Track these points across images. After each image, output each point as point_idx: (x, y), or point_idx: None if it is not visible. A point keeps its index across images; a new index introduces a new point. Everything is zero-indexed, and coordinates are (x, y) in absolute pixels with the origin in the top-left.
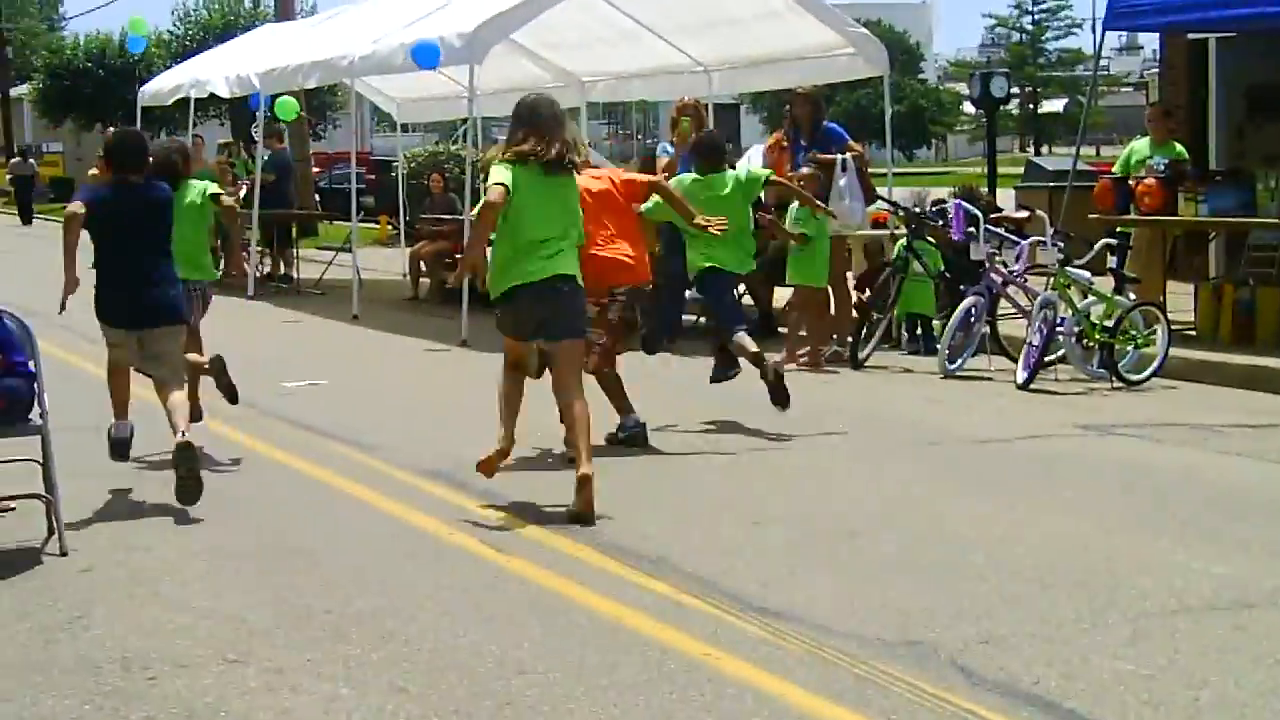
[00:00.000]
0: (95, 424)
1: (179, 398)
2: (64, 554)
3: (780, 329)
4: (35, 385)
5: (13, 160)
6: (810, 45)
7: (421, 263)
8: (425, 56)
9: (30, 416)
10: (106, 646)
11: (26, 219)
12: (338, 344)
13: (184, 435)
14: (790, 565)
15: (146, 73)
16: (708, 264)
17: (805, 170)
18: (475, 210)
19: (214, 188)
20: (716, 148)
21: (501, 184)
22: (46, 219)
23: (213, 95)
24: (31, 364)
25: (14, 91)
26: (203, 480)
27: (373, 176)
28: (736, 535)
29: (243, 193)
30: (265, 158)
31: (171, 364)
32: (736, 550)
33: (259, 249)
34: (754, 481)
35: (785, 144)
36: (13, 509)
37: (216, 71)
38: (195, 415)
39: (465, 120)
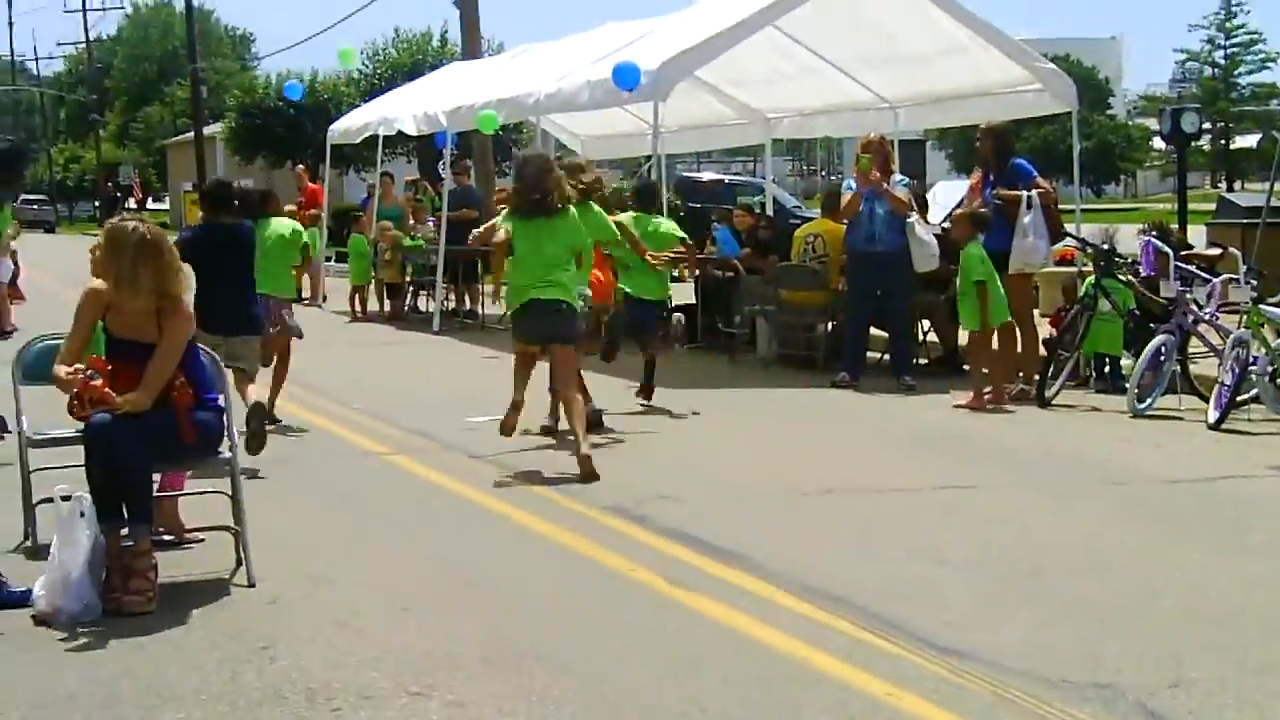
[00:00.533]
0: (279, 456)
1: (253, 388)
2: (252, 585)
3: (965, 367)
4: (224, 419)
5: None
6: (996, 80)
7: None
8: (626, 77)
9: (220, 450)
10: (292, 678)
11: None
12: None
13: (254, 399)
14: (975, 605)
15: (337, 111)
16: (637, 293)
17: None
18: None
19: (302, 236)
20: (651, 192)
21: (505, 229)
22: None
23: (400, 133)
24: (220, 398)
25: (208, 130)
26: (267, 437)
27: None
28: (920, 574)
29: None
30: (450, 194)
31: (249, 362)
32: (920, 589)
33: (444, 284)
34: (938, 520)
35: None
36: (202, 540)
37: (404, 109)
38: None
39: (649, 157)
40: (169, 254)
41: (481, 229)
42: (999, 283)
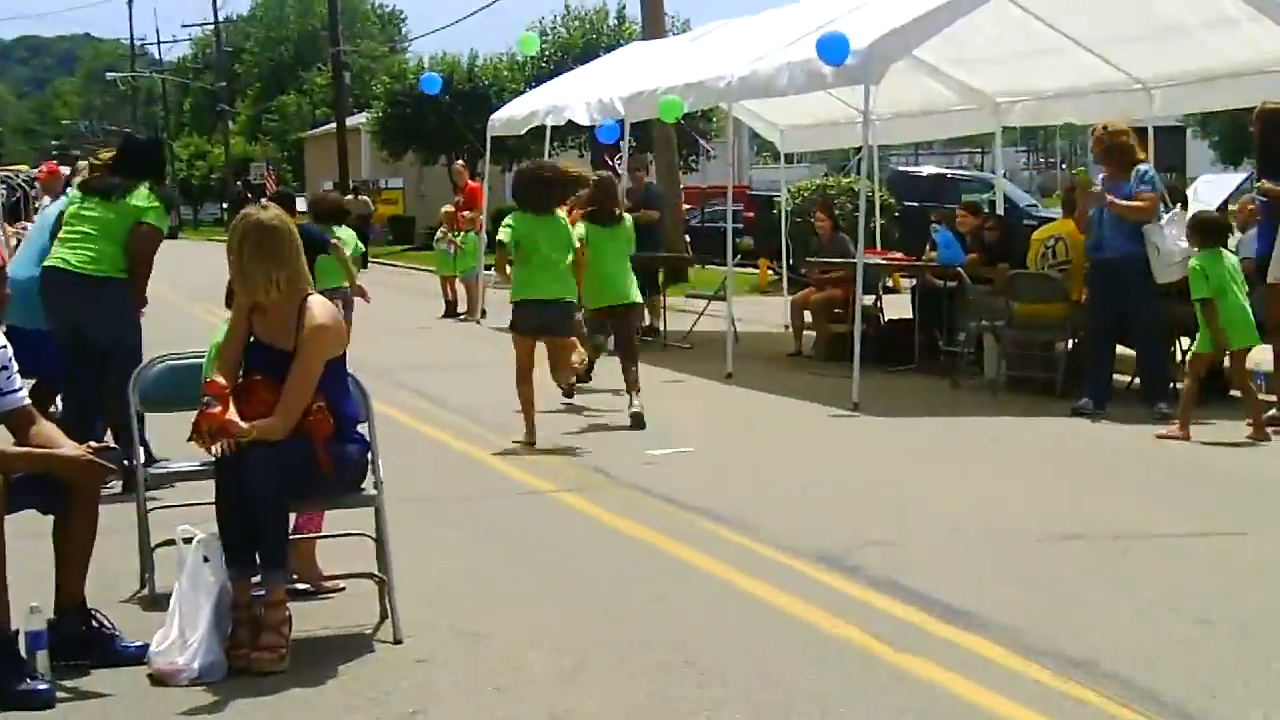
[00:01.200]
0: (431, 493)
1: None
2: (398, 641)
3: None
4: (370, 453)
5: (346, 198)
6: (1271, 57)
7: (806, 313)
8: (832, 49)
9: (364, 486)
10: None
11: (362, 263)
12: (708, 405)
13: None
14: (1242, 673)
15: (498, 99)
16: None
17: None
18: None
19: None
20: (610, 194)
21: (509, 229)
22: (385, 264)
23: (571, 123)
24: (365, 430)
25: (351, 121)
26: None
27: (751, 214)
28: (1179, 634)
29: None
30: (628, 192)
31: None
32: (1178, 653)
33: None
34: (1201, 571)
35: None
36: (342, 589)
37: (576, 96)
38: None
39: (859, 149)
40: (287, 243)
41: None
42: (1240, 298)
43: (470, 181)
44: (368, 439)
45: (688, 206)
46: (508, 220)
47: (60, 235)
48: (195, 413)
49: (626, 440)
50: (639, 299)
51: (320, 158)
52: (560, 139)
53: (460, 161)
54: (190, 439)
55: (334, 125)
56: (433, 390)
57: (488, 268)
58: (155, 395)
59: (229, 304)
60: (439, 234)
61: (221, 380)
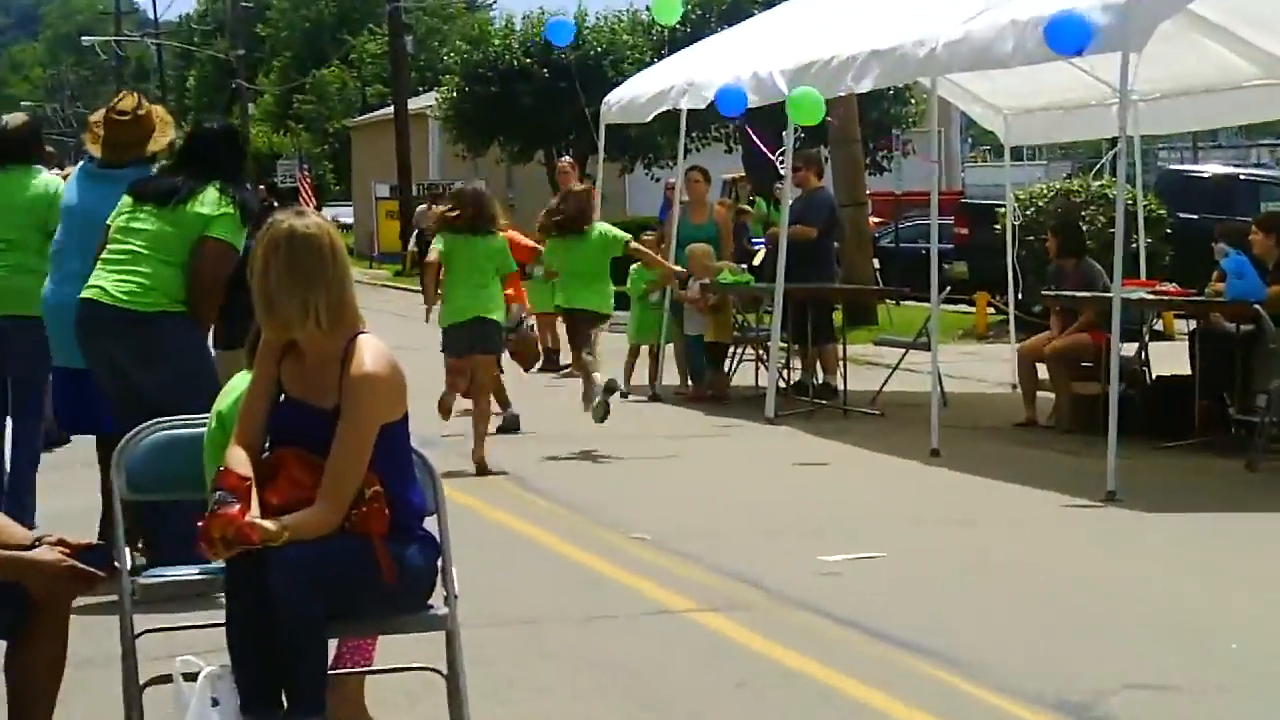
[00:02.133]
0: (527, 613)
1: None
2: None
3: None
4: (440, 557)
5: (419, 208)
6: None
7: (1041, 367)
8: (1068, 35)
9: (431, 603)
10: None
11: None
12: (905, 494)
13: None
14: None
15: (616, 73)
16: (570, 306)
17: None
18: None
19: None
20: (582, 212)
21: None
22: None
23: (713, 107)
24: (434, 524)
25: (415, 103)
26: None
27: (964, 230)
28: None
29: (758, 259)
30: (793, 201)
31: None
32: None
33: (782, 344)
34: None
35: None
36: None
37: (721, 69)
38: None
39: (1113, 141)
40: (331, 260)
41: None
42: None
43: (579, 185)
44: (436, 537)
45: (877, 220)
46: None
47: (103, 255)
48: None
49: (788, 538)
50: (594, 307)
51: (372, 153)
52: (700, 126)
53: (566, 158)
54: (195, 546)
55: (390, 109)
56: (524, 470)
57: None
58: (146, 477)
59: (251, 351)
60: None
61: (240, 468)
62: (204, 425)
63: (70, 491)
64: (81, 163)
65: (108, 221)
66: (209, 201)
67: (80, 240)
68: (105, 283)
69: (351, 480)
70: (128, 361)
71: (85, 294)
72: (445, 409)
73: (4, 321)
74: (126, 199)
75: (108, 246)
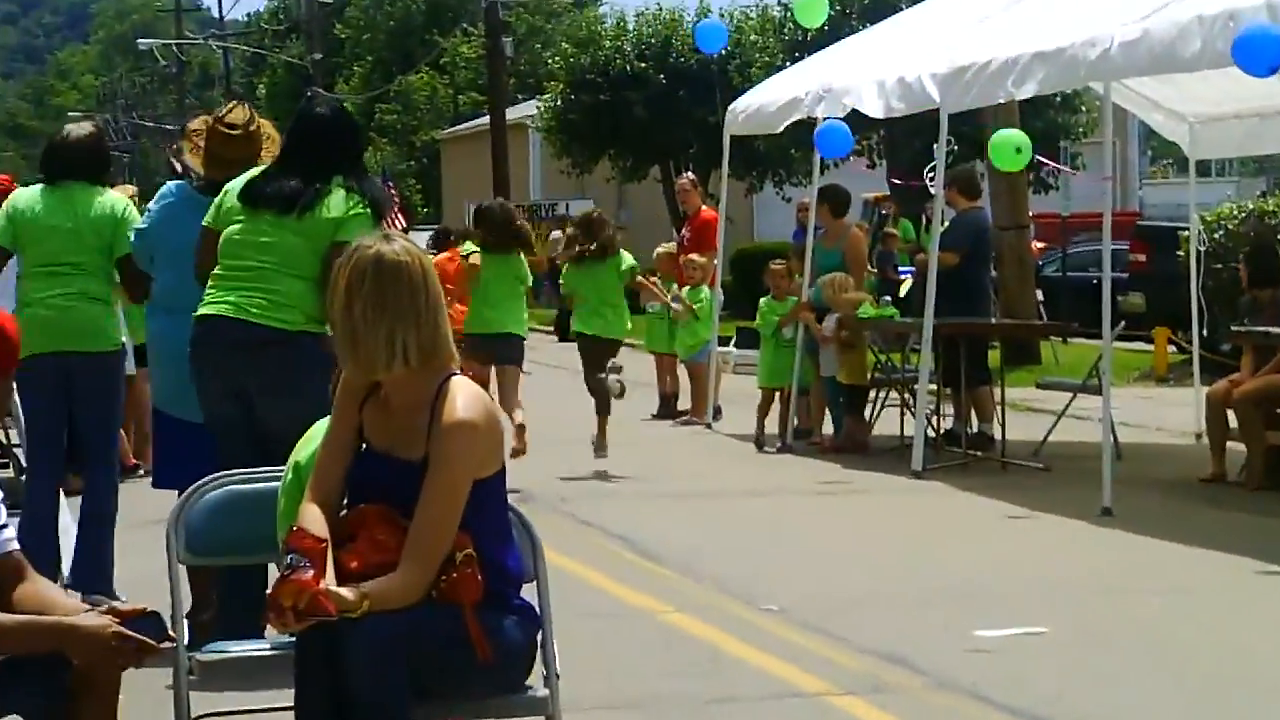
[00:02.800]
0: (641, 695)
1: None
2: None
3: None
4: (540, 631)
5: (552, 236)
6: None
7: (1231, 414)
8: (1259, 54)
9: (530, 683)
10: None
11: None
12: (1073, 560)
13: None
14: None
15: (742, 80)
16: (585, 331)
17: None
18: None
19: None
20: (609, 242)
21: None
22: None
23: (856, 114)
24: (534, 593)
25: (514, 113)
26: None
27: (1142, 257)
28: None
29: (904, 289)
30: (944, 224)
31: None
32: None
33: (931, 387)
34: None
35: None
36: None
37: (861, 74)
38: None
39: None
40: (423, 289)
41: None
42: None
43: (702, 208)
44: (536, 608)
45: (1040, 245)
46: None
47: (218, 272)
48: (274, 573)
49: (938, 610)
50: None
51: (465, 169)
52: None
53: (686, 176)
54: (264, 618)
55: (486, 120)
56: (637, 533)
57: (724, 341)
58: (208, 538)
59: (332, 394)
60: (654, 305)
61: (315, 527)
62: (275, 480)
63: (151, 553)
64: (175, 184)
65: (204, 223)
66: (337, 204)
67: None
68: (232, 298)
69: (440, 542)
70: (257, 389)
71: (208, 310)
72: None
73: (71, 358)
74: (233, 204)
75: (222, 262)
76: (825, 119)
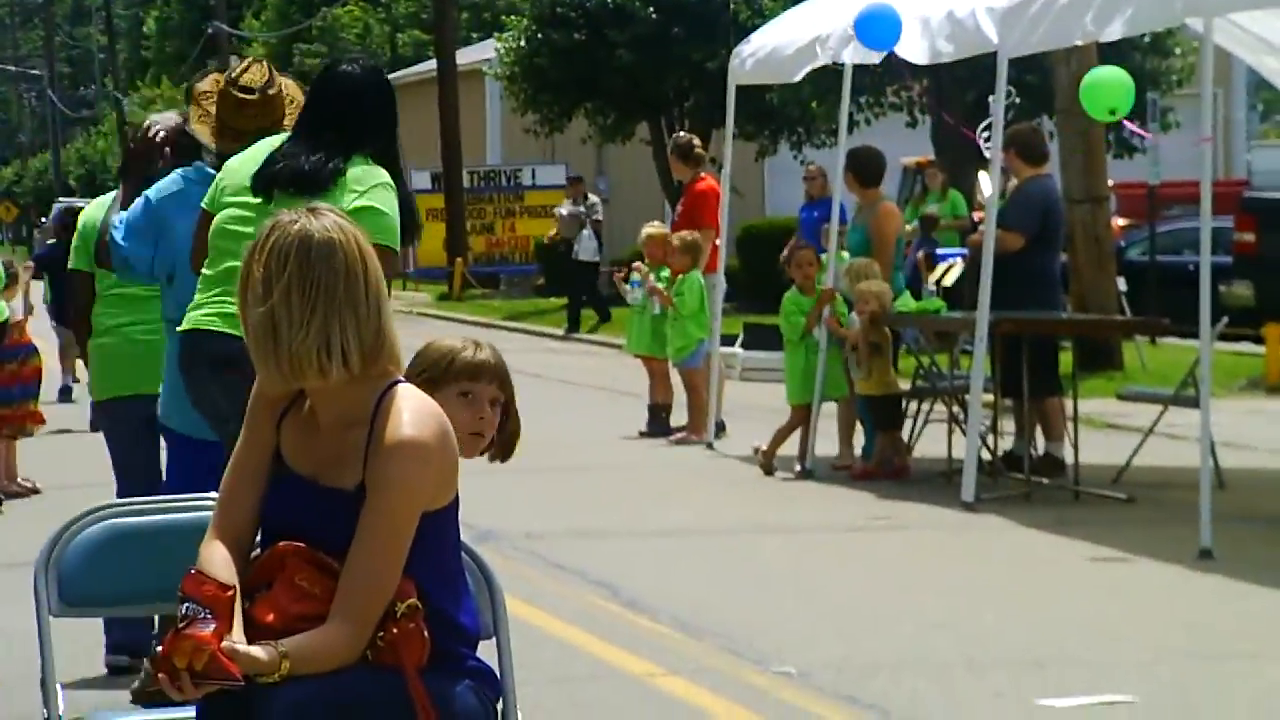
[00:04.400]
0: None
1: None
2: None
3: None
4: (500, 698)
5: (560, 209)
6: None
7: None
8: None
9: None
10: None
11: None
12: (1162, 612)
13: None
14: None
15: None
16: None
17: None
18: None
19: None
20: None
21: None
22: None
23: (895, 61)
24: (493, 651)
25: (466, 55)
26: None
27: (1249, 236)
28: None
29: (953, 274)
30: (1003, 193)
31: None
32: None
33: (986, 400)
34: None
35: None
36: None
37: (899, 9)
38: None
39: None
40: (359, 276)
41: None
42: None
43: (700, 176)
44: (496, 671)
45: (1124, 222)
46: None
47: (207, 273)
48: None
49: (995, 673)
50: None
51: (408, 125)
52: (870, 91)
53: (682, 137)
54: (148, 686)
55: (433, 65)
56: (623, 580)
57: (728, 341)
58: (88, 585)
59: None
60: (634, 278)
61: (218, 571)
62: (168, 511)
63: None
64: (184, 170)
65: (203, 204)
66: (357, 186)
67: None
68: (228, 307)
69: (379, 589)
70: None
71: (194, 325)
72: None
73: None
74: (234, 184)
75: (213, 259)
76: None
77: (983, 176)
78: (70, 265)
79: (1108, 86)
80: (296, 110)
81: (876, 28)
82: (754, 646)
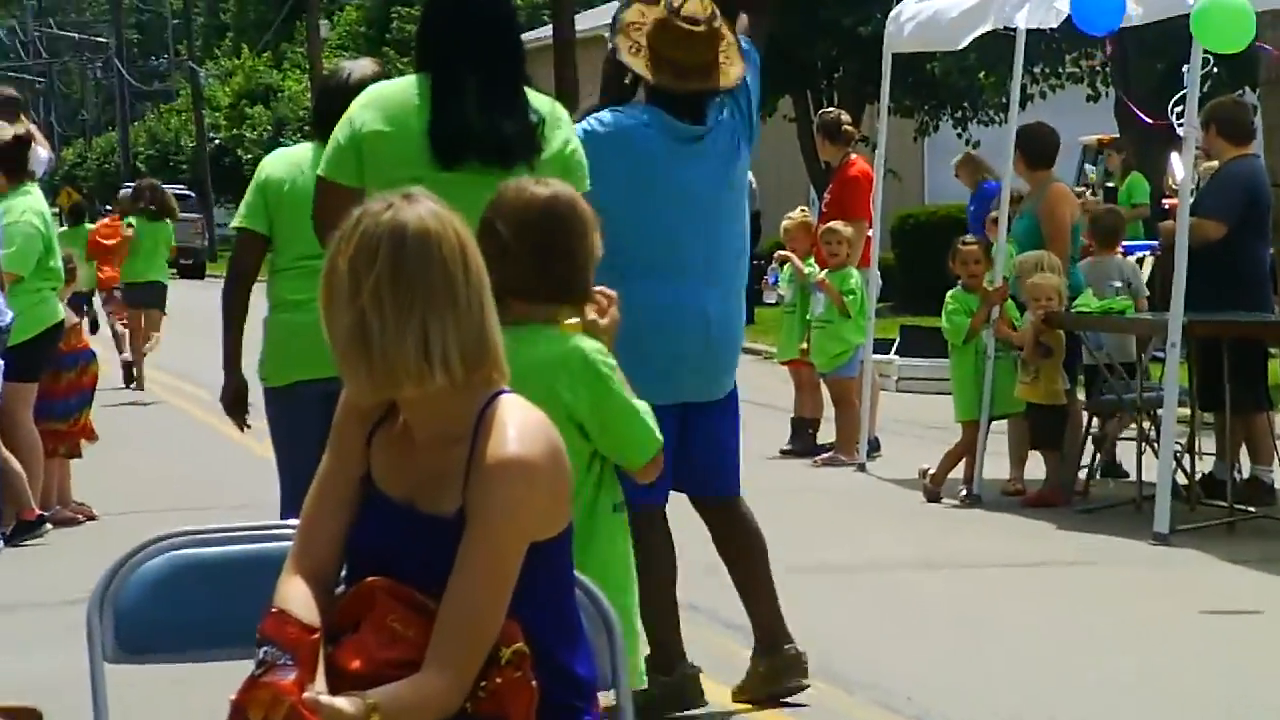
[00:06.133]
0: None
1: None
2: None
3: None
4: None
5: None
6: None
7: None
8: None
9: None
10: None
11: None
12: None
13: None
14: None
15: None
16: None
17: None
18: None
19: None
20: None
21: None
22: None
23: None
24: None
25: (586, 20)
26: None
27: None
28: None
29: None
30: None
31: None
32: None
33: (1183, 415)
34: None
35: None
36: None
37: None
38: None
39: None
40: (462, 271)
41: None
42: None
43: (850, 158)
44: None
45: None
46: None
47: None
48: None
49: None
50: None
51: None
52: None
53: (830, 113)
54: None
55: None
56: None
57: (882, 347)
58: (149, 627)
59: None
60: (781, 275)
61: (300, 610)
62: (240, 541)
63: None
64: (630, 109)
65: (322, 173)
66: (559, 138)
67: (704, 228)
68: None
69: (482, 632)
70: None
71: None
72: None
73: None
74: (391, 148)
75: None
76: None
77: (1174, 158)
78: (239, 222)
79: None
80: (732, 53)
81: (1099, 5)
82: (914, 701)
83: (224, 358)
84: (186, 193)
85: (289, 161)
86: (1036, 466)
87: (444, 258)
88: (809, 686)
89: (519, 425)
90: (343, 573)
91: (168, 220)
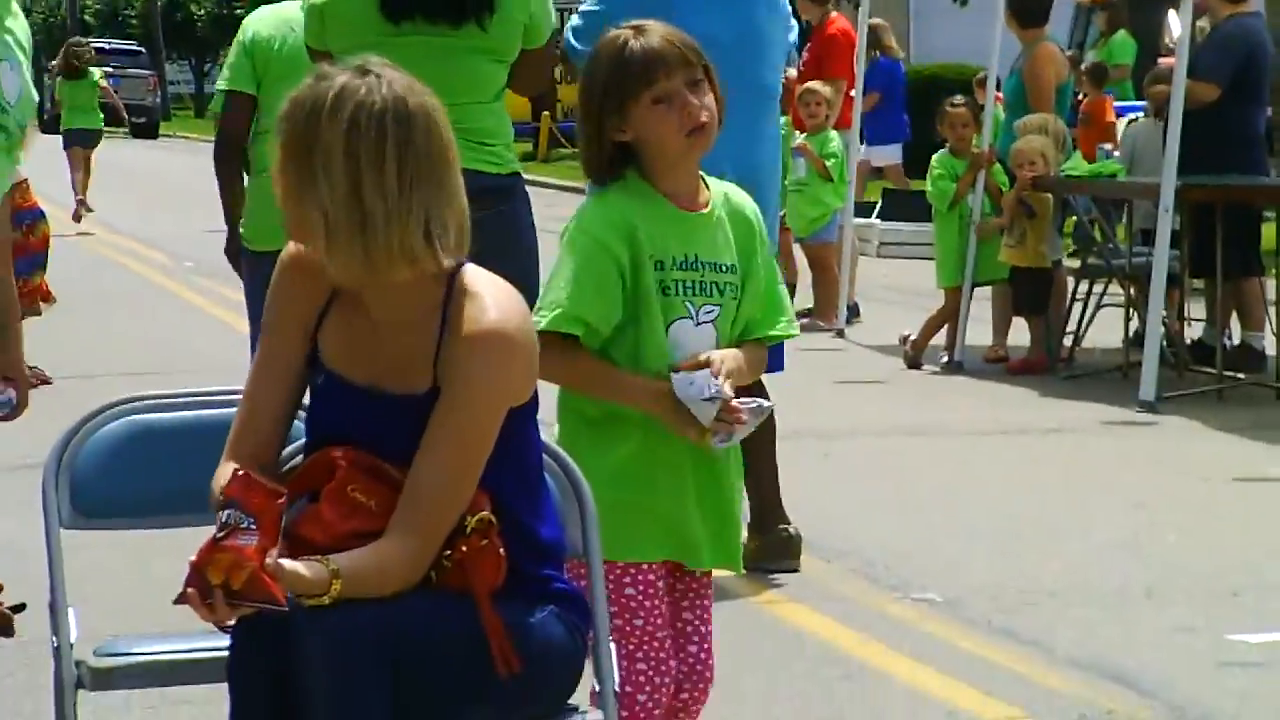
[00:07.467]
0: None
1: None
2: None
3: None
4: (589, 629)
5: None
6: None
7: None
8: None
9: (575, 701)
10: None
11: None
12: None
13: None
14: None
15: None
16: None
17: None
18: None
19: None
20: None
21: None
22: None
23: None
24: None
25: None
26: None
27: None
28: None
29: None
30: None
31: None
32: None
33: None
34: None
35: None
36: None
37: None
38: None
39: None
40: (448, 146)
41: None
42: None
43: (830, 16)
44: (584, 594)
45: None
46: None
47: None
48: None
49: (1176, 605)
50: None
51: None
52: None
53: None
54: (180, 598)
55: None
56: None
57: (863, 211)
58: (106, 492)
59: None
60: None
61: (259, 481)
62: (200, 405)
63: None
64: None
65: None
66: None
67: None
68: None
69: (452, 500)
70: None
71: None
72: None
73: None
74: (348, 13)
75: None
76: None
77: (1171, 15)
78: (225, 84)
79: None
80: None
81: None
82: (892, 570)
83: (224, 215)
84: (137, 49)
85: (278, 19)
86: (1021, 335)
87: (443, 134)
88: (798, 570)
89: (493, 295)
90: (280, 457)
91: (89, 72)
